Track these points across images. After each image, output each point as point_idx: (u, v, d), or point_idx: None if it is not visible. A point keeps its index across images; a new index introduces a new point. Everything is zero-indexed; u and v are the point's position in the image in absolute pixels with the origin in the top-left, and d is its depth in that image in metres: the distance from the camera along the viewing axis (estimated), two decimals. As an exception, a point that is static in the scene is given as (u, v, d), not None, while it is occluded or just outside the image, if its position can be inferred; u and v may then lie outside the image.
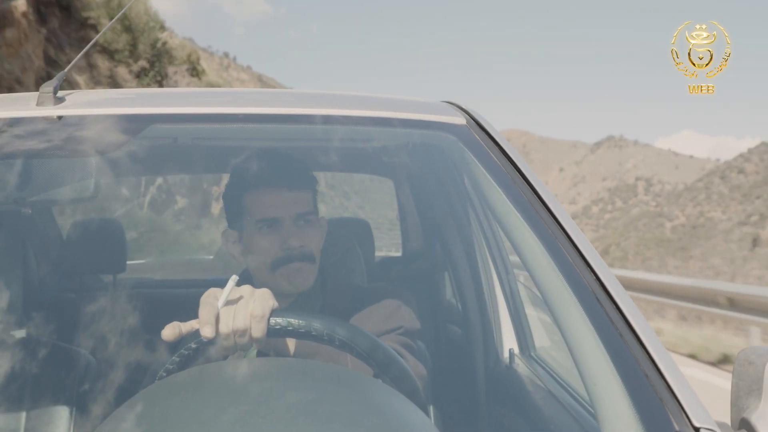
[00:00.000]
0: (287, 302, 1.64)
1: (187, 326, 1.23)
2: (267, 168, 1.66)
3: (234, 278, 1.26)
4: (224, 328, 1.22)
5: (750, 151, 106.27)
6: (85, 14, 11.72)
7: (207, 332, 1.20)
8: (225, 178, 1.74)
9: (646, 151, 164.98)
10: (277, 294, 1.58)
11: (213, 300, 1.25)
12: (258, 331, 1.23)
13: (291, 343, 1.44)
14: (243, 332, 1.22)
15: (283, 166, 1.68)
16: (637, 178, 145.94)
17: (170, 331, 1.22)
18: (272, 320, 1.25)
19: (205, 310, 1.23)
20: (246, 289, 1.28)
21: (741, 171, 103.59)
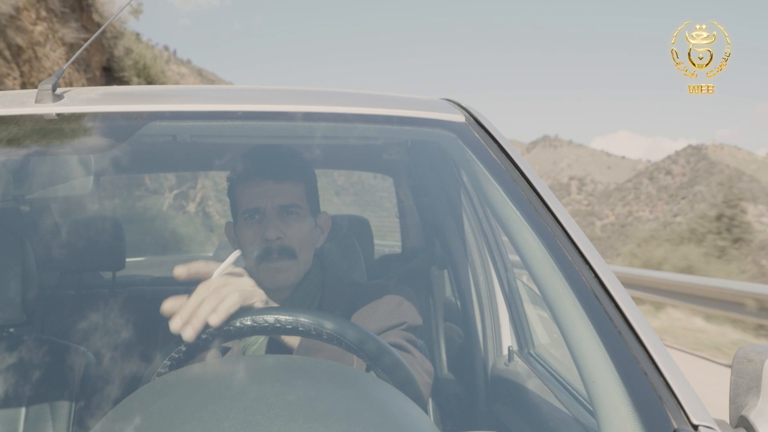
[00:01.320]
0: (285, 295, 1.65)
1: (194, 267, 1.32)
2: (257, 161, 1.68)
3: (236, 253, 1.29)
4: (197, 295, 1.27)
5: (677, 153, 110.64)
6: (120, 74, 14.39)
7: (180, 273, 1.30)
8: (201, 181, 1.75)
9: (580, 151, 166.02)
10: (266, 288, 1.58)
11: (213, 266, 1.32)
12: (215, 318, 1.24)
13: (294, 341, 1.45)
14: (208, 309, 1.24)
15: (271, 158, 1.69)
16: (571, 178, 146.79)
17: (182, 270, 1.31)
18: (261, 318, 1.26)
19: (199, 263, 1.32)
20: (244, 277, 1.34)
21: (668, 172, 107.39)
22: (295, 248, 1.62)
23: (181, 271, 1.29)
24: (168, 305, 1.25)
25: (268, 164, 1.67)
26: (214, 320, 1.23)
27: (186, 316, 1.24)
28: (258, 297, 1.34)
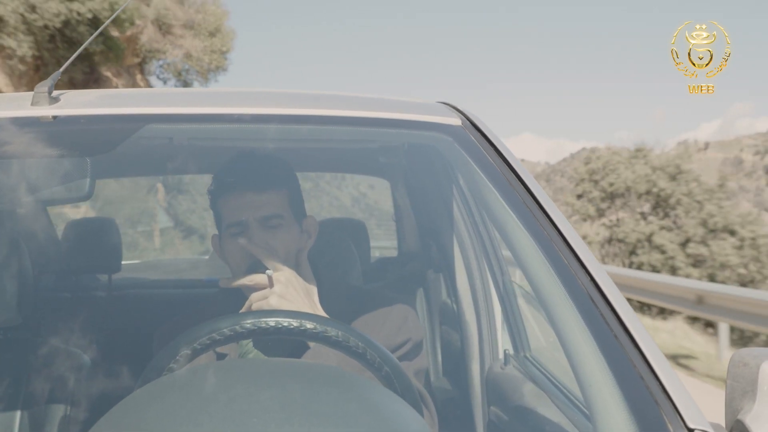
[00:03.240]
0: None
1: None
2: (237, 171, 1.66)
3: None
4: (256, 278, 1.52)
5: (572, 155, 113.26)
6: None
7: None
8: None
9: None
10: None
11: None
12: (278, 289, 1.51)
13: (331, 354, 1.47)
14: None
15: (251, 168, 1.67)
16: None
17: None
18: (281, 321, 1.26)
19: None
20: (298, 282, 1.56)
21: (564, 174, 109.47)
22: (281, 260, 1.60)
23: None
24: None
25: (247, 175, 1.64)
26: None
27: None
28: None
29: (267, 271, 1.52)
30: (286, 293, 1.51)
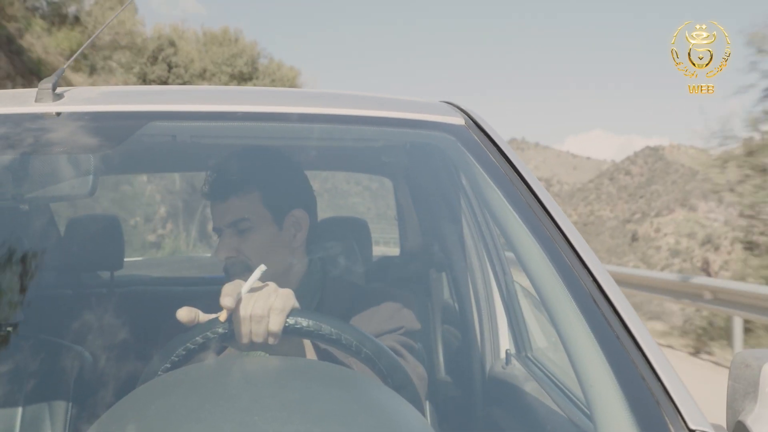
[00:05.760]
0: None
1: (204, 316, 1.25)
2: (212, 181, 1.67)
3: (261, 268, 1.26)
4: (243, 311, 1.23)
5: (636, 154, 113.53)
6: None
7: (227, 302, 1.21)
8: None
9: (546, 153, 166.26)
10: None
11: (237, 286, 1.26)
12: (275, 324, 1.23)
13: (308, 347, 1.43)
14: (260, 319, 1.23)
15: (220, 176, 1.67)
16: (538, 179, 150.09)
17: (186, 313, 1.23)
18: (289, 319, 1.25)
19: (229, 287, 1.24)
20: (270, 284, 1.29)
21: (628, 173, 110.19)
22: (252, 262, 1.59)
23: (184, 315, 1.24)
24: (185, 316, 1.24)
25: (216, 183, 1.66)
26: (273, 338, 1.25)
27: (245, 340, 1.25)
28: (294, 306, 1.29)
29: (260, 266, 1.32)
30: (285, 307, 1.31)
